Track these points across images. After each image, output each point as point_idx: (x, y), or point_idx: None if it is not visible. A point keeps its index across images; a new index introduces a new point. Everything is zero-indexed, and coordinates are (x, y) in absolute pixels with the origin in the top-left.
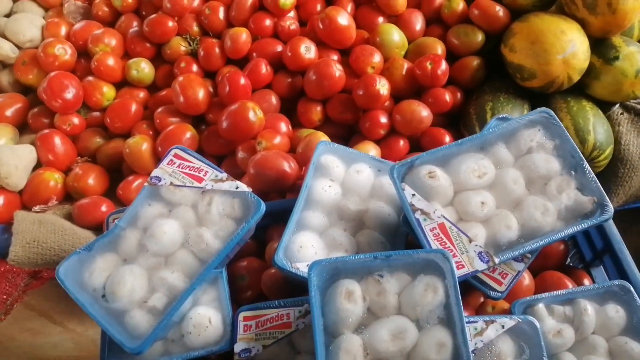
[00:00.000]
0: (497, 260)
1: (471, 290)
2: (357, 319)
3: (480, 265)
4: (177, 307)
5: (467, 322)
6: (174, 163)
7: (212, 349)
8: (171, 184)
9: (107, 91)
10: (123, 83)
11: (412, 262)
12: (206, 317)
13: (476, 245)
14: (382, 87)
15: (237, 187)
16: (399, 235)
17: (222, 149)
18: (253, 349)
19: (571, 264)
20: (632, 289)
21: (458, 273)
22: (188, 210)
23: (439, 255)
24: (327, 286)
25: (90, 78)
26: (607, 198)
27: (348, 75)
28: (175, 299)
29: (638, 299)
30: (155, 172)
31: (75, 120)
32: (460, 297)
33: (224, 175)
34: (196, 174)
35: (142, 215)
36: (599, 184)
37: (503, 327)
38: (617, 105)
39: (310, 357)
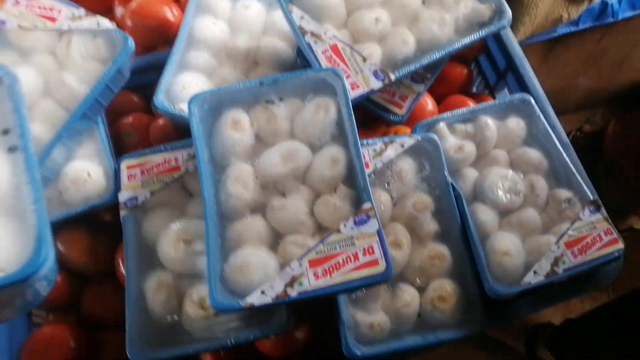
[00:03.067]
0: (392, 77)
1: (373, 120)
2: (246, 148)
3: (376, 84)
4: (43, 158)
5: (365, 144)
6: (20, 4)
7: (95, 203)
8: (19, 26)
9: None
10: None
11: (302, 84)
12: (84, 171)
13: (371, 64)
14: None
15: (98, 24)
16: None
17: (96, 6)
18: (140, 196)
19: (476, 91)
20: (532, 100)
21: (353, 94)
22: (45, 55)
23: (330, 73)
24: (212, 120)
25: None
26: (506, 4)
27: None
28: (42, 151)
29: (538, 110)
30: None
31: None
32: (352, 113)
33: (82, 11)
34: (48, 13)
35: None
36: None
37: (402, 146)
38: None
39: None
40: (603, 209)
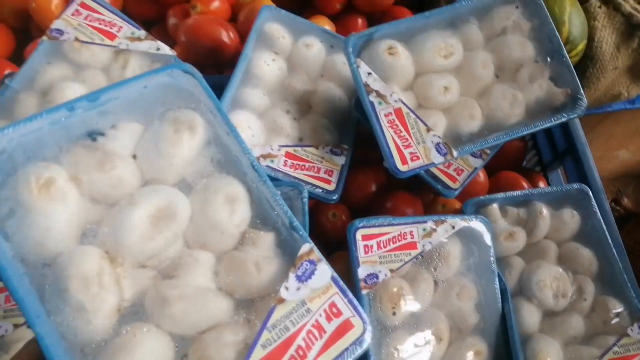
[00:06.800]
0: (455, 154)
1: (422, 186)
2: (79, 224)
3: (437, 158)
4: None
5: (414, 222)
6: (81, 14)
7: None
8: (76, 39)
9: None
10: None
11: (140, 96)
12: None
13: (434, 135)
14: None
15: (157, 49)
16: (349, 123)
17: (150, 11)
18: None
19: (527, 166)
20: (590, 193)
21: (412, 165)
22: (98, 73)
23: (177, 71)
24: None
25: None
26: (582, 90)
27: None
28: None
29: (595, 204)
30: (56, 24)
31: None
32: (227, 115)
33: (142, 32)
34: (108, 29)
35: (41, 76)
36: (576, 74)
37: (453, 227)
38: None
39: None
40: None
